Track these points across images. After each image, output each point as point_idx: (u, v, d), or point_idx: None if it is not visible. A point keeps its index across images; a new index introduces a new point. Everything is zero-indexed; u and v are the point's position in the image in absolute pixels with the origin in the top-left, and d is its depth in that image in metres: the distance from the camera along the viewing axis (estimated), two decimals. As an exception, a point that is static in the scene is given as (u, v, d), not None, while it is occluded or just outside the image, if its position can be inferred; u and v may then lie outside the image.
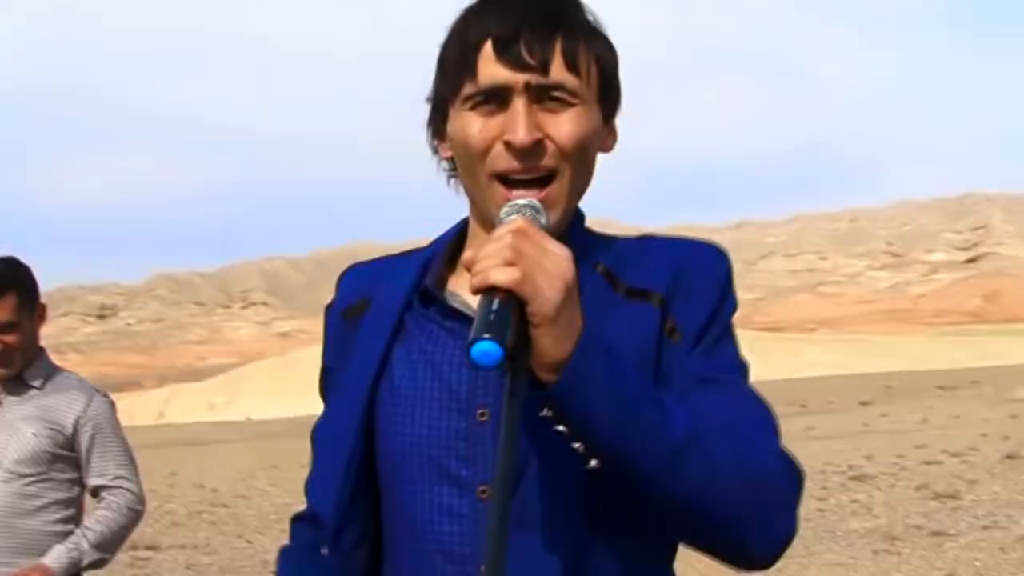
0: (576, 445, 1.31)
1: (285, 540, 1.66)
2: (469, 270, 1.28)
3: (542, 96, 1.44)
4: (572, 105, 1.45)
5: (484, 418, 1.43)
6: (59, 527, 3.62)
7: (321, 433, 1.59)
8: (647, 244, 1.55)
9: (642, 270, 1.49)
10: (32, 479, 3.57)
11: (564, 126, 1.44)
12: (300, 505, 1.65)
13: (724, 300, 1.49)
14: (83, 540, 3.58)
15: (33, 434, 3.58)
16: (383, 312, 1.56)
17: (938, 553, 9.94)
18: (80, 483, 3.71)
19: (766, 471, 1.36)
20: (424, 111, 1.58)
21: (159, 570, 11.94)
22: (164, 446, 32.60)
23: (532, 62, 1.42)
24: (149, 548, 13.00)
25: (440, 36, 1.53)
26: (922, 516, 11.87)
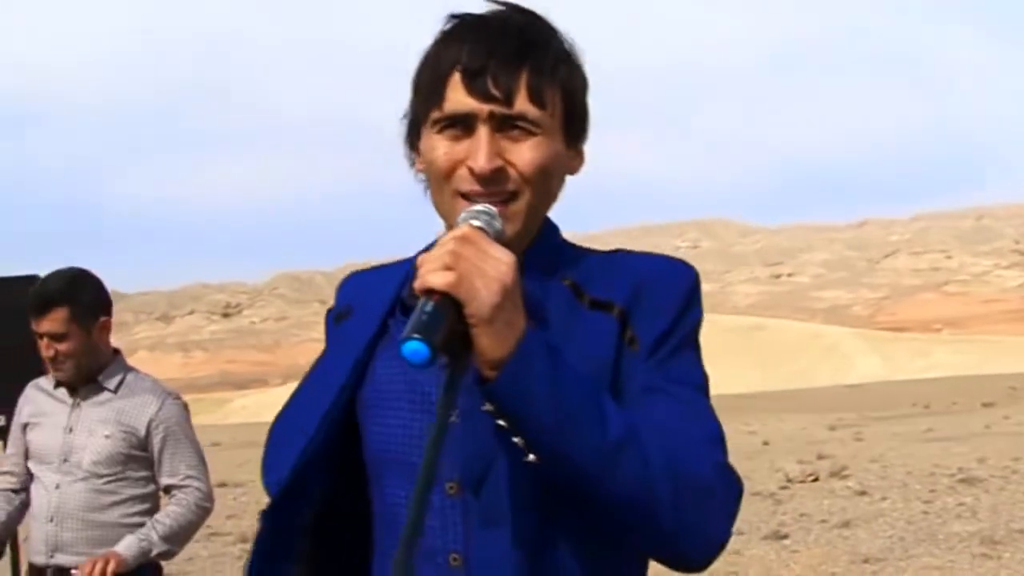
0: (516, 439, 1.39)
1: None
2: None
3: (505, 125, 1.51)
4: (534, 135, 1.52)
5: (451, 418, 1.50)
6: (135, 519, 3.80)
7: (283, 420, 1.65)
8: (616, 259, 1.63)
9: (607, 283, 1.57)
10: (108, 478, 3.77)
11: (525, 154, 1.52)
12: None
13: (685, 313, 1.55)
14: (153, 531, 3.75)
15: (107, 436, 3.76)
16: (361, 320, 1.66)
17: (1040, 559, 9.69)
18: (155, 480, 3.88)
19: (700, 479, 1.42)
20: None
21: (266, 563, 12.23)
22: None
23: (497, 94, 1.50)
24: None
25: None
26: (1028, 521, 11.56)
